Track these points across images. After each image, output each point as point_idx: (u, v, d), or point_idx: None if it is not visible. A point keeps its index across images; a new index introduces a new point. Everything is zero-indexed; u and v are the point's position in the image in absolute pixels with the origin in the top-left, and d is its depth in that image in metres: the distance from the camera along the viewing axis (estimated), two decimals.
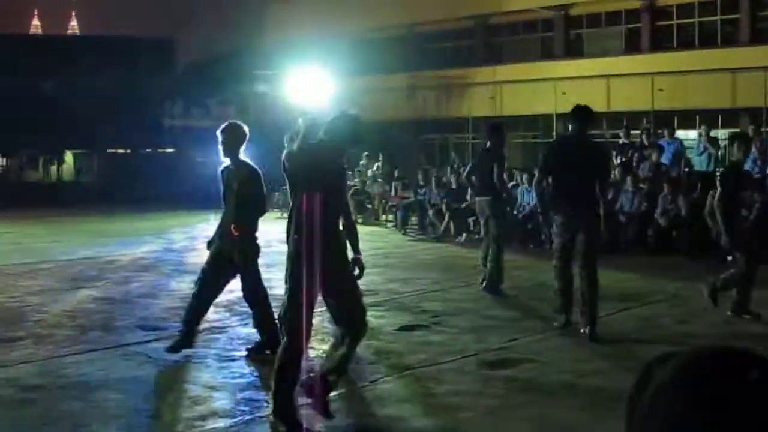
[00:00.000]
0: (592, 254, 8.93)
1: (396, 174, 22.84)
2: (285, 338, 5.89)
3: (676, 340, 8.84)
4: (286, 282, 5.89)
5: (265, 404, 6.57)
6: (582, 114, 9.25)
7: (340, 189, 6.21)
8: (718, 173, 16.44)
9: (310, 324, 6.00)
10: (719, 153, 18.63)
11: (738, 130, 22.45)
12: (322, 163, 5.96)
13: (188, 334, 7.80)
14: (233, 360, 7.89)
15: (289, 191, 6.12)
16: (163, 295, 11.14)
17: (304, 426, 5.78)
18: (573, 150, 9.38)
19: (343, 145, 6.21)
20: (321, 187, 5.84)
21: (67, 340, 8.59)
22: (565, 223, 9.01)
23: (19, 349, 8.24)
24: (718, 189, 9.81)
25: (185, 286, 10.99)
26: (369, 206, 22.18)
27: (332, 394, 6.18)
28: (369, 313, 9.72)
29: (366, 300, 10.33)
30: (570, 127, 9.81)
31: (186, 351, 8.03)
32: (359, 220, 18.06)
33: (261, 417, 6.16)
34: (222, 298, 10.95)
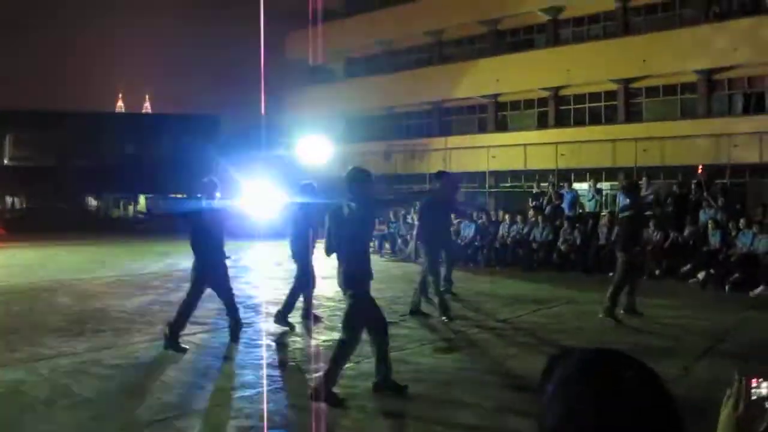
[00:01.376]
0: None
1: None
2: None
3: (573, 331, 8.88)
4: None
5: (280, 379, 6.54)
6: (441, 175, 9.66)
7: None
8: (603, 213, 16.64)
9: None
10: (603, 199, 18.78)
11: (617, 182, 22.72)
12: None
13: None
14: (257, 347, 7.85)
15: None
16: (207, 299, 11.03)
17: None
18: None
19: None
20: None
21: (139, 332, 8.53)
22: None
23: (103, 338, 8.17)
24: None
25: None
26: None
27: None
28: None
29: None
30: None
31: (222, 340, 8.00)
32: None
33: (277, 388, 6.11)
34: (248, 301, 10.93)
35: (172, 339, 7.48)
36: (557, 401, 1.01)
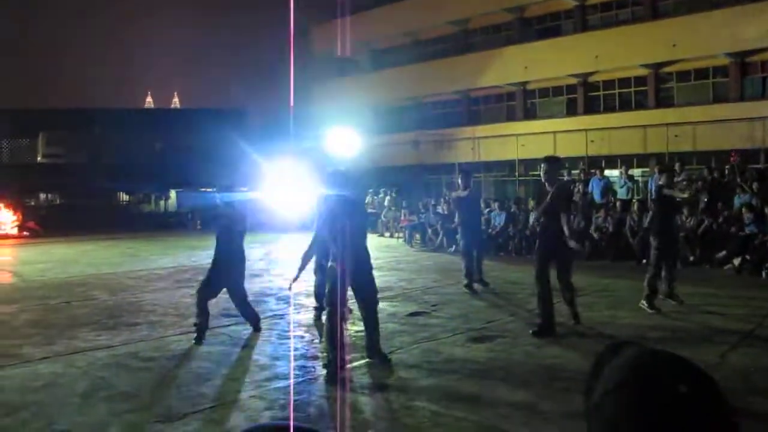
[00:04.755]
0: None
1: (404, 204, 22.88)
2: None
3: (606, 321, 8.77)
4: None
5: (314, 369, 6.56)
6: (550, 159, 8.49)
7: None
8: (634, 201, 16.43)
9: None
10: (635, 186, 18.56)
11: (648, 169, 22.43)
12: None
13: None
14: (289, 338, 7.88)
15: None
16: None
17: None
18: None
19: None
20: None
21: (172, 325, 8.61)
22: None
23: (138, 331, 8.26)
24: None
25: (254, 286, 11.02)
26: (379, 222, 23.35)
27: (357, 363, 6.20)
28: (386, 304, 9.74)
29: (384, 294, 10.35)
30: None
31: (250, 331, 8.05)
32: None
33: (311, 379, 6.13)
34: (280, 293, 10.99)
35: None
36: (604, 410, 0.94)
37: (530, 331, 7.84)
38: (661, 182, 9.72)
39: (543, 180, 8.34)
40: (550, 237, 8.27)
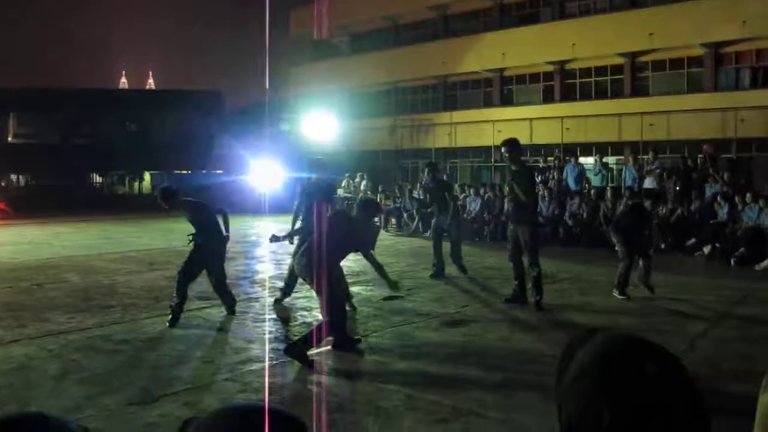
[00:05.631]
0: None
1: (380, 188, 22.86)
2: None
3: (579, 305, 8.89)
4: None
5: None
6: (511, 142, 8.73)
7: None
8: (608, 188, 16.57)
9: None
10: (609, 174, 18.75)
11: (622, 157, 22.63)
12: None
13: None
14: (264, 321, 7.88)
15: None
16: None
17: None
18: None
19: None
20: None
21: (146, 308, 8.56)
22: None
23: (111, 314, 8.21)
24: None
25: (229, 269, 10.98)
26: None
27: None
28: (361, 288, 9.77)
29: (359, 278, 10.37)
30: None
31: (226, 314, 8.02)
32: None
33: (285, 362, 6.14)
34: (255, 276, 10.98)
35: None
36: (573, 394, 0.95)
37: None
38: (646, 204, 9.88)
39: (507, 163, 8.64)
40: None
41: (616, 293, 9.29)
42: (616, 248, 9.57)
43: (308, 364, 5.95)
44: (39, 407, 4.96)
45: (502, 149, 8.71)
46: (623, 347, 0.97)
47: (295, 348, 6.07)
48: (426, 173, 12.40)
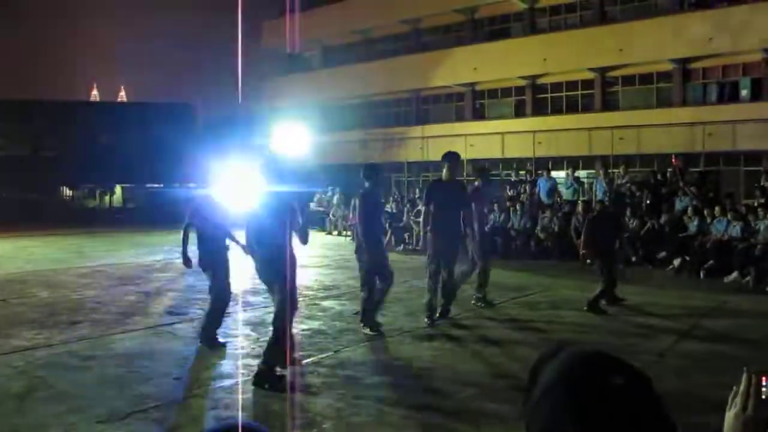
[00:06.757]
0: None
1: (352, 202, 22.91)
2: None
3: (550, 318, 8.95)
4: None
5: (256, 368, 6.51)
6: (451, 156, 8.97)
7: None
8: (580, 201, 16.71)
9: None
10: (581, 187, 18.93)
11: (593, 171, 22.87)
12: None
13: None
14: (235, 337, 7.81)
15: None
16: (184, 289, 11.01)
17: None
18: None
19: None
20: None
21: (115, 323, 8.45)
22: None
23: (79, 329, 8.09)
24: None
25: (200, 283, 10.88)
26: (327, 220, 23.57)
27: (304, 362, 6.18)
28: (334, 302, 9.73)
29: (332, 293, 10.34)
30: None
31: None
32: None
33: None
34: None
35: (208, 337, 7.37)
36: (540, 411, 0.95)
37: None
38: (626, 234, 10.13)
39: (445, 178, 8.94)
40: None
41: (586, 309, 9.32)
42: (593, 265, 9.67)
43: (281, 389, 5.75)
44: (4, 427, 4.86)
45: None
46: (586, 364, 0.97)
47: (263, 375, 5.83)
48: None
